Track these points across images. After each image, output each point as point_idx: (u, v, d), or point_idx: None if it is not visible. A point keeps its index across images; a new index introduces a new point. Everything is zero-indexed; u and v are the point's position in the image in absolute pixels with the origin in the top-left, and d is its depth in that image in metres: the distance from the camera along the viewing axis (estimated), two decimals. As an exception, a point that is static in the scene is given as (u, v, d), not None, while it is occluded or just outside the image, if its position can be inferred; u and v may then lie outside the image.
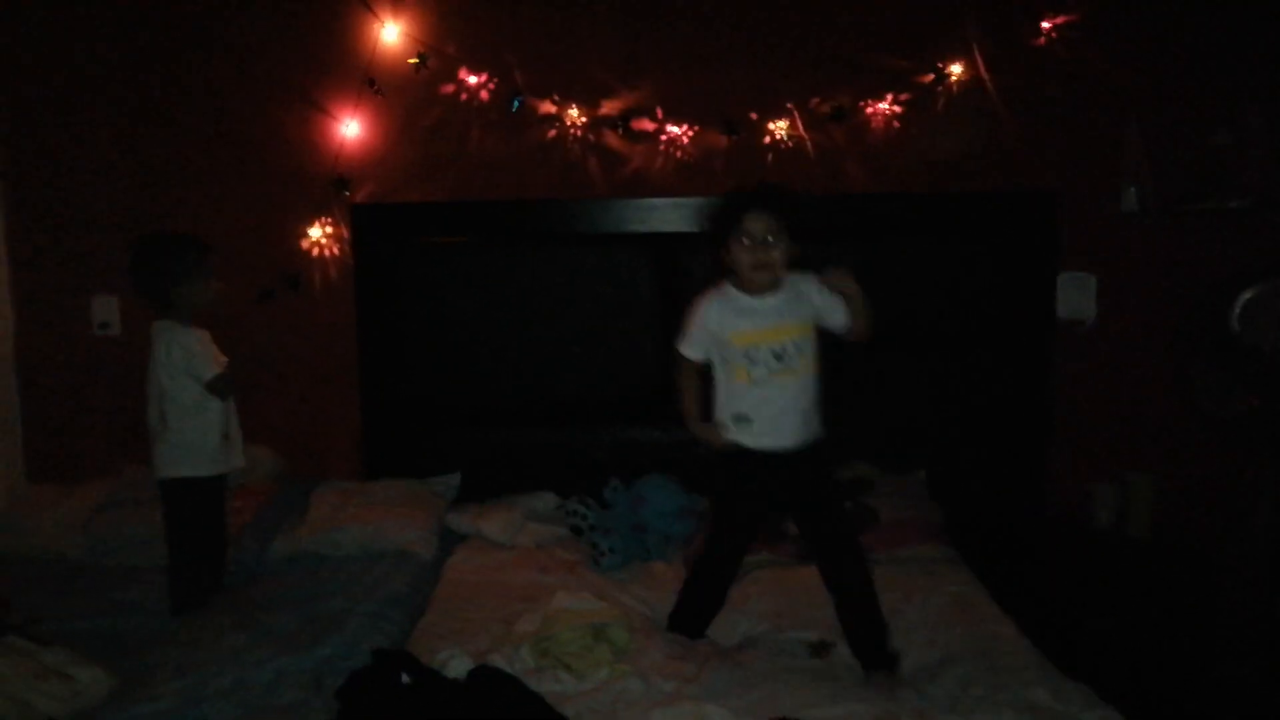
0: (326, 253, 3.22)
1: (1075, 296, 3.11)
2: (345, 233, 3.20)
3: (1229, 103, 2.99)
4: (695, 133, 3.12)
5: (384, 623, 2.37)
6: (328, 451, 3.29)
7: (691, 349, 2.33)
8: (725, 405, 2.30)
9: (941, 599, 2.39)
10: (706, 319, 2.29)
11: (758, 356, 2.24)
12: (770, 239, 2.21)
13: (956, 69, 3.04)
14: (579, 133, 3.13)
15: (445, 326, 3.22)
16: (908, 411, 3.15)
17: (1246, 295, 2.85)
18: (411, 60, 3.08)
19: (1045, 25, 3.02)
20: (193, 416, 2.50)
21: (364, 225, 3.18)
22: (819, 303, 2.28)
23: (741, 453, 2.27)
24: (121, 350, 3.22)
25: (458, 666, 1.99)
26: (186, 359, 2.47)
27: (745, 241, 2.22)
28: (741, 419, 2.26)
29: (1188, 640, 2.76)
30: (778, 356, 2.23)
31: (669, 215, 3.11)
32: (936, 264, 3.15)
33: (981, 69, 3.04)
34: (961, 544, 2.76)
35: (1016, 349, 3.11)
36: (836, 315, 2.29)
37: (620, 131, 3.12)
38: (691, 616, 2.35)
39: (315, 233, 3.19)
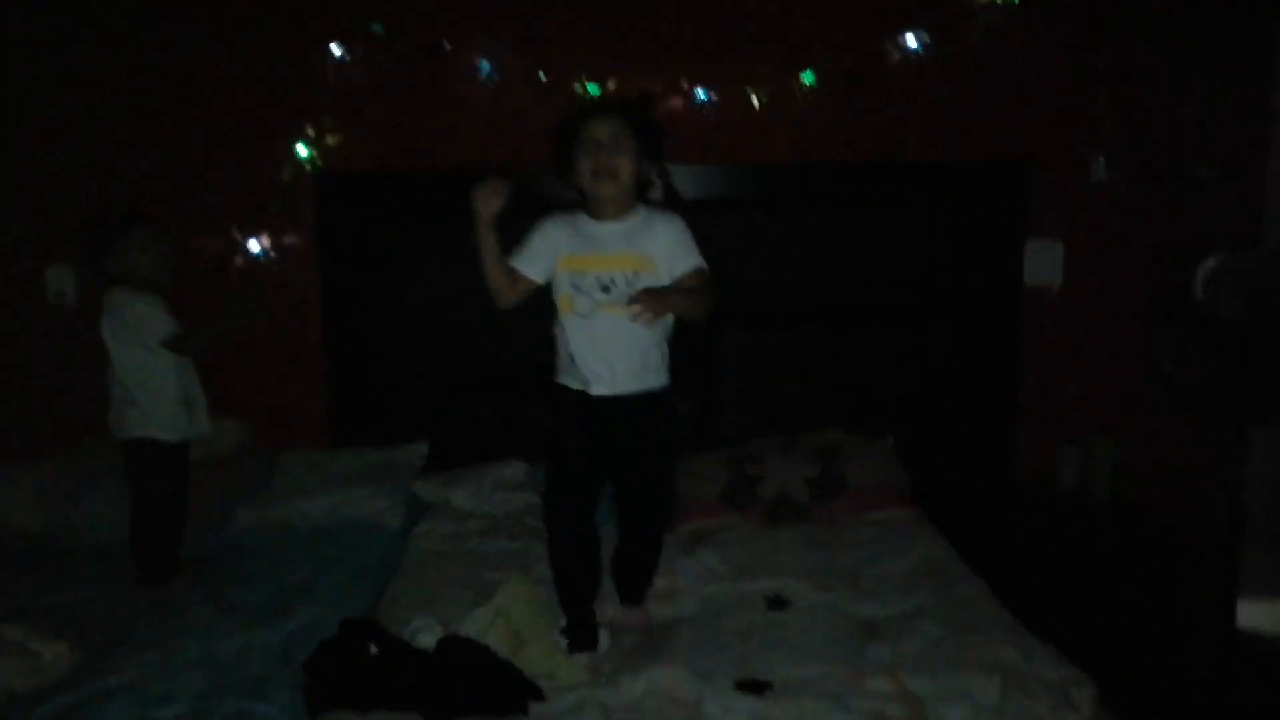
0: (291, 221, 3.15)
1: (1042, 264, 3.13)
2: (311, 201, 3.13)
3: (1199, 72, 3.01)
4: (673, 97, 3.07)
5: (352, 593, 2.36)
6: (294, 421, 3.24)
7: (519, 259, 2.12)
8: (559, 343, 2.14)
9: (910, 560, 2.42)
10: (542, 232, 2.13)
11: (583, 284, 2.06)
12: (614, 145, 2.03)
13: (926, 36, 3.02)
14: (549, 101, 3.07)
15: (413, 295, 3.18)
16: (877, 377, 3.16)
17: (1210, 264, 2.87)
18: (375, 28, 3.01)
19: (1015, -7, 3.01)
20: (146, 383, 2.53)
21: (329, 195, 3.12)
22: (666, 242, 2.09)
23: (568, 393, 2.12)
24: (78, 321, 3.14)
25: (426, 637, 1.98)
26: (136, 324, 2.50)
27: (587, 149, 2.04)
28: (569, 359, 2.10)
29: (1148, 600, 2.82)
30: (604, 288, 2.04)
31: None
32: (906, 232, 3.15)
33: (951, 35, 3.03)
34: (930, 507, 2.78)
35: (985, 315, 3.14)
36: (678, 265, 2.09)
37: (584, 94, 3.06)
38: (569, 596, 2.16)
39: (281, 201, 3.13)
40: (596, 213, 2.10)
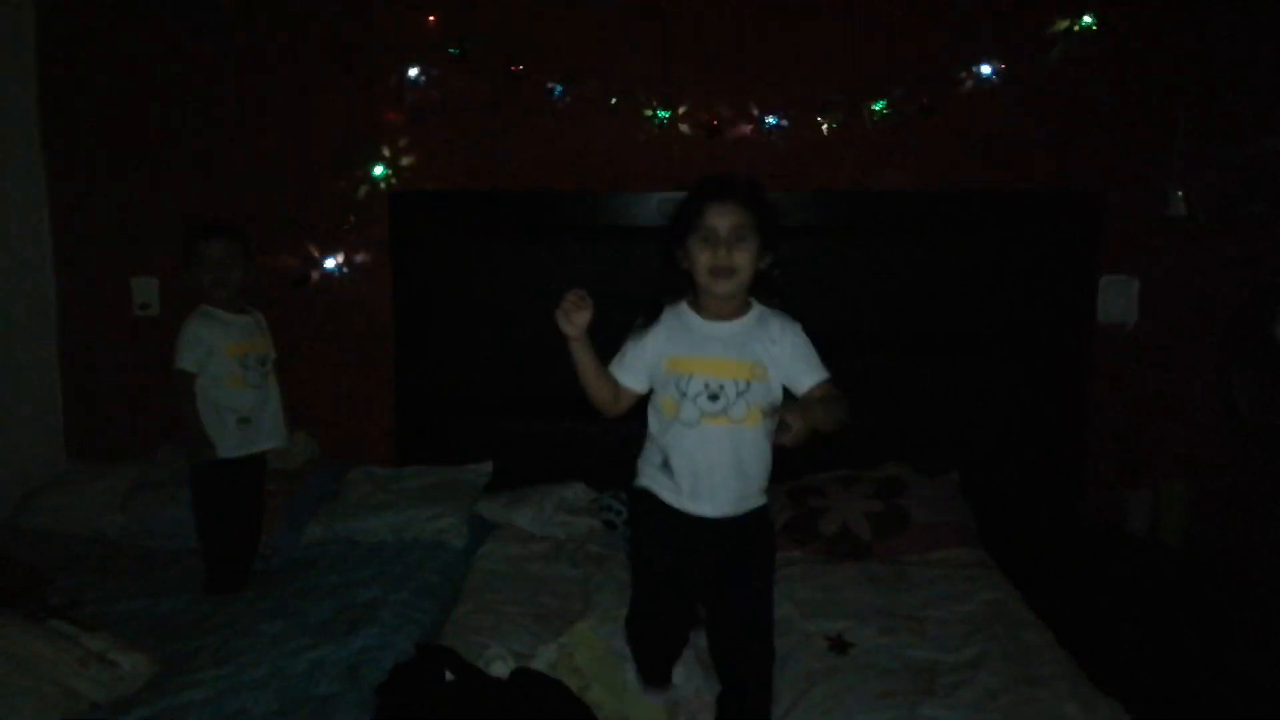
0: (364, 239, 3.23)
1: (1117, 300, 3.08)
2: (384, 219, 3.20)
3: (1275, 103, 2.93)
4: (740, 124, 3.08)
5: (417, 613, 2.40)
6: (362, 436, 3.31)
7: (620, 368, 1.98)
8: (650, 446, 1.97)
9: (974, 603, 2.38)
10: (643, 342, 1.96)
11: (689, 389, 1.87)
12: (735, 238, 1.85)
13: (1000, 65, 2.99)
14: (627, 125, 3.10)
15: (482, 314, 3.23)
16: (943, 412, 3.12)
17: (1292, 303, 2.79)
18: (451, 50, 3.07)
19: (1088, 20, 2.95)
20: (204, 395, 2.54)
21: (402, 213, 3.18)
22: (783, 352, 1.90)
23: (657, 504, 1.94)
24: (160, 331, 3.24)
25: (500, 666, 2.01)
26: (182, 345, 2.53)
27: (705, 239, 1.87)
28: (663, 465, 1.93)
29: (1220, 651, 2.74)
30: (712, 396, 1.86)
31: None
32: (977, 262, 3.12)
33: (1028, 65, 2.99)
34: (994, 548, 2.74)
35: (1056, 352, 3.08)
36: (803, 377, 1.91)
37: (664, 124, 3.09)
38: (650, 669, 2.05)
39: (354, 218, 3.20)
40: (707, 309, 1.93)
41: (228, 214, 3.06)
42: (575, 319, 1.90)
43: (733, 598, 1.96)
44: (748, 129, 3.10)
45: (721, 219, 1.86)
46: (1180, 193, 3.01)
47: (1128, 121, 3.03)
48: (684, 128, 3.09)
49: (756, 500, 1.95)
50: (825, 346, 3.08)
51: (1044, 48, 2.98)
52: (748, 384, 1.88)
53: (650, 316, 1.98)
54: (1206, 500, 3.01)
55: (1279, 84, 2.94)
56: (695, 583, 2.00)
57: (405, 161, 3.20)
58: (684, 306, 1.96)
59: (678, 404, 1.88)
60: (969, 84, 3.02)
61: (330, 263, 3.24)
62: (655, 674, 2.04)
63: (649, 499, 1.96)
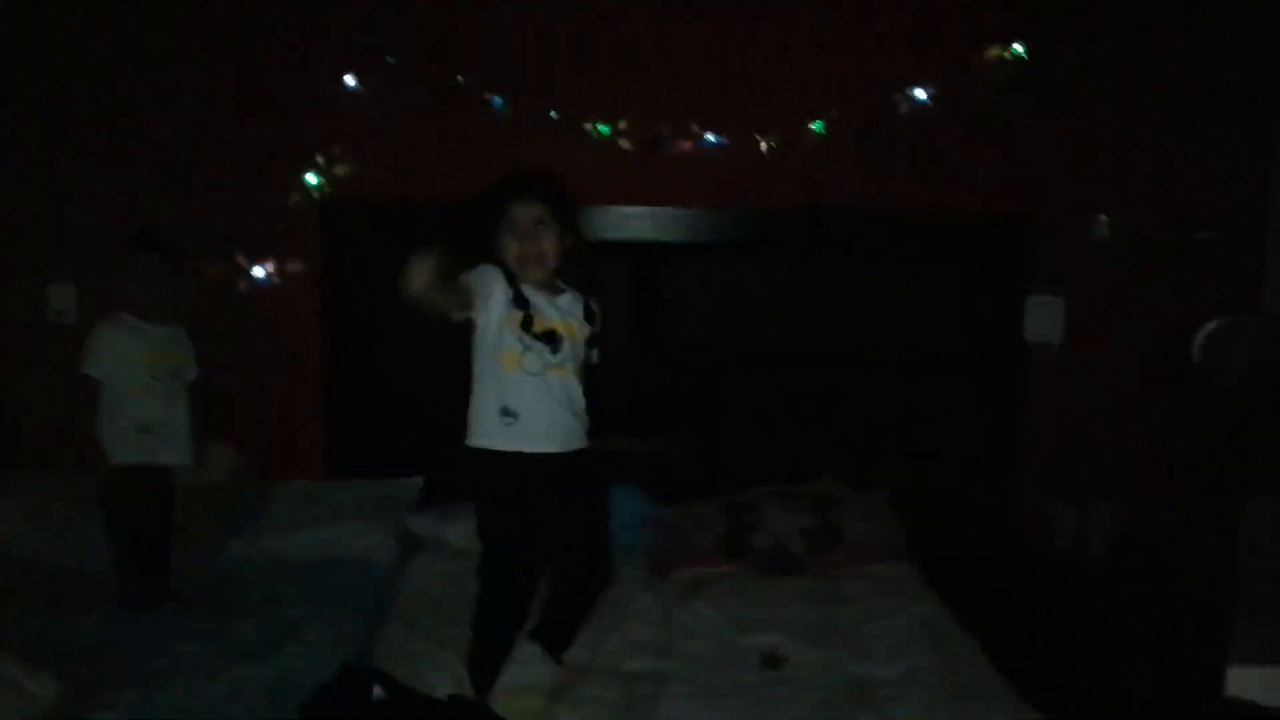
0: (293, 248, 3.16)
1: (1044, 320, 3.14)
2: (313, 228, 3.14)
3: (1202, 133, 3.03)
4: (675, 141, 3.09)
5: (344, 631, 2.33)
6: (290, 451, 3.23)
7: (478, 278, 2.16)
8: (486, 397, 2.18)
9: (906, 618, 2.39)
10: (488, 274, 2.17)
11: (534, 344, 2.15)
12: (539, 229, 2.17)
13: (931, 89, 3.04)
14: (559, 137, 3.09)
15: (413, 328, 3.16)
16: (875, 429, 3.16)
17: (1209, 328, 2.88)
18: (389, 59, 3.02)
19: (1019, 49, 3.03)
20: (109, 397, 2.53)
21: (334, 223, 3.13)
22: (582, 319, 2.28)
23: (496, 458, 2.17)
24: (77, 340, 3.10)
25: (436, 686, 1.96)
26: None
27: (511, 231, 2.17)
28: (507, 413, 2.15)
29: (1144, 665, 2.80)
30: (554, 349, 2.17)
31: (646, 224, 3.09)
32: (909, 281, 3.17)
33: (956, 90, 3.06)
34: (924, 563, 2.77)
35: (985, 370, 3.14)
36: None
37: (599, 137, 3.08)
38: (487, 642, 2.14)
39: (282, 227, 3.13)
40: (532, 285, 2.20)
41: (152, 221, 3.00)
42: (419, 277, 2.03)
43: (573, 531, 2.23)
44: (688, 146, 3.10)
45: (523, 211, 2.17)
46: (1103, 217, 3.10)
47: (1054, 147, 3.10)
48: (624, 143, 3.08)
49: (582, 440, 2.23)
50: (761, 362, 3.16)
51: (976, 74, 3.04)
52: (574, 340, 2.22)
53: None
54: (1131, 517, 3.08)
55: (1200, 113, 3.05)
56: (541, 541, 2.25)
57: (339, 171, 3.13)
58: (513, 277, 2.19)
59: (519, 356, 2.14)
60: (904, 107, 3.06)
61: (259, 272, 3.16)
62: (487, 675, 2.05)
63: (487, 455, 2.17)
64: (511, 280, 2.19)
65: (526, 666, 2.03)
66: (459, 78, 3.05)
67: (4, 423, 3.24)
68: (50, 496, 2.91)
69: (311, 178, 3.10)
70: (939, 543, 2.96)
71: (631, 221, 3.09)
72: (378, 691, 1.84)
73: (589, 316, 2.31)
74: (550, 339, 2.17)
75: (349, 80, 3.06)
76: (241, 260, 3.15)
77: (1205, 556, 2.96)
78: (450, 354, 3.14)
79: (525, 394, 2.16)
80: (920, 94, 3.05)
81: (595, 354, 2.33)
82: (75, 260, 3.15)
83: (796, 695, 2.04)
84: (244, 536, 2.81)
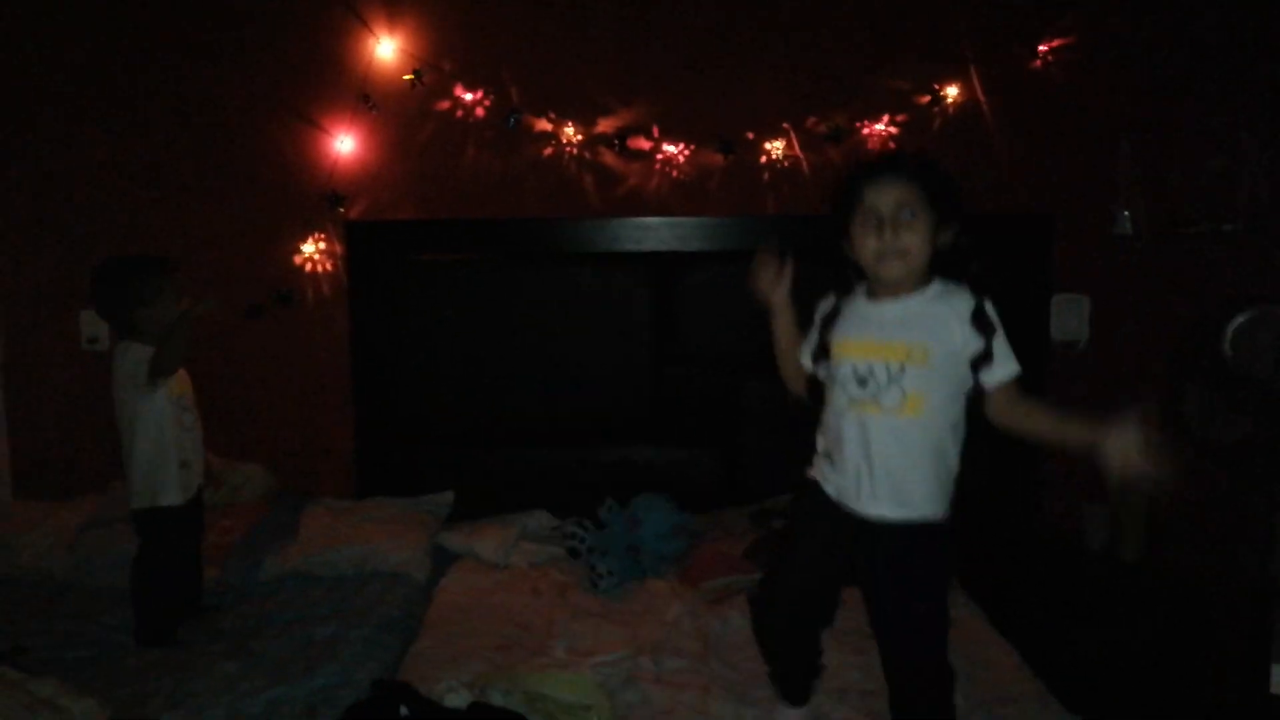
0: (320, 269, 3.19)
1: (1069, 318, 3.13)
2: (339, 249, 3.18)
3: (1223, 126, 3.01)
4: (691, 152, 3.11)
5: (377, 649, 2.35)
6: (320, 469, 3.26)
7: (804, 344, 1.88)
8: (821, 432, 1.86)
9: (938, 623, 2.39)
10: (818, 315, 1.85)
11: (841, 374, 1.75)
12: (903, 217, 1.70)
13: (953, 90, 3.05)
14: (574, 150, 3.12)
15: (440, 344, 3.20)
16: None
17: (1239, 320, 2.86)
18: (406, 77, 3.06)
19: (1041, 48, 3.03)
20: (156, 442, 2.40)
21: (358, 242, 3.16)
22: (961, 334, 1.70)
23: (819, 495, 1.83)
24: (110, 366, 3.18)
25: (455, 699, 1.97)
26: (135, 371, 2.37)
27: (869, 222, 1.72)
28: (826, 454, 1.82)
29: (1179, 664, 2.77)
30: (860, 380, 1.71)
31: (664, 234, 3.10)
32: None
33: (978, 91, 3.06)
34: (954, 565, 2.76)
35: (1010, 370, 3.12)
36: (996, 369, 1.71)
37: (616, 150, 3.11)
38: (784, 678, 1.97)
39: (308, 249, 3.17)
40: (882, 291, 1.77)
41: (183, 243, 3.05)
42: (768, 281, 1.84)
43: (889, 610, 1.78)
44: (707, 155, 3.11)
45: (884, 196, 1.70)
46: (1126, 212, 3.07)
47: (1074, 144, 3.09)
48: (655, 155, 3.10)
49: (922, 509, 1.73)
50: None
51: (995, 74, 3.04)
52: (902, 366, 1.68)
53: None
54: (1163, 515, 3.05)
55: (1220, 106, 3.02)
56: (840, 583, 1.89)
57: (363, 190, 3.17)
58: (860, 290, 1.82)
59: (834, 390, 1.77)
60: (926, 109, 3.06)
61: (285, 294, 3.19)
62: (792, 687, 1.94)
63: (813, 489, 1.84)
64: (847, 290, 1.83)
65: None
66: (479, 93, 3.08)
67: (40, 451, 3.29)
68: (87, 522, 2.95)
69: (335, 197, 3.13)
70: (969, 544, 2.94)
71: (651, 232, 3.10)
72: (404, 711, 1.86)
73: (978, 322, 1.73)
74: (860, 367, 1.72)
75: (368, 97, 3.09)
76: (270, 280, 3.18)
77: (1241, 552, 2.93)
78: (480, 371, 3.19)
79: (837, 434, 1.78)
80: (941, 95, 3.05)
81: (997, 373, 1.74)
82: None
83: (839, 701, 2.04)
84: (277, 555, 2.83)
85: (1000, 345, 1.73)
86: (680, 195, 3.14)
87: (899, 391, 1.68)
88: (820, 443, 1.84)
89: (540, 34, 3.10)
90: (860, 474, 1.73)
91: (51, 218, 3.21)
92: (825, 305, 1.86)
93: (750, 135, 3.09)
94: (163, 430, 2.42)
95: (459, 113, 3.12)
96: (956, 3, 3.05)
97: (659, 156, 3.11)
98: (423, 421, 3.22)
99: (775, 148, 3.08)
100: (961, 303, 1.72)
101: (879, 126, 3.08)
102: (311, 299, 3.21)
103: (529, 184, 3.14)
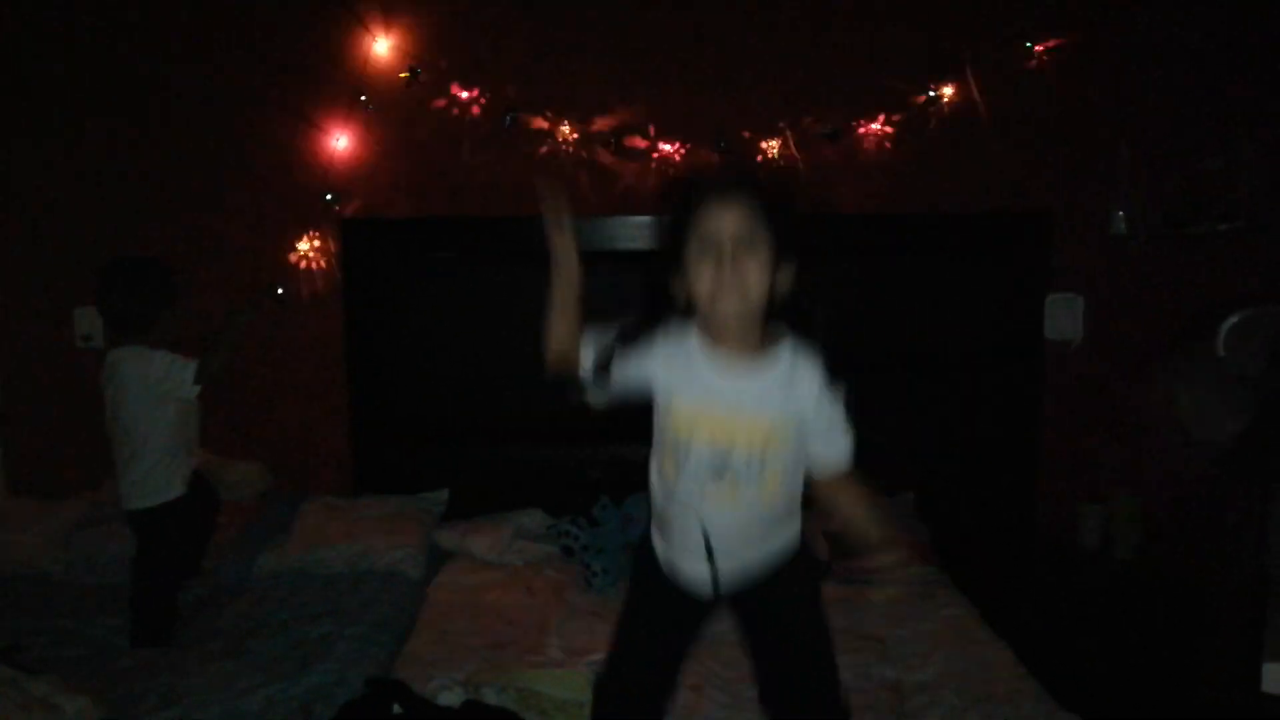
0: (315, 267, 3.18)
1: (1063, 318, 3.13)
2: (334, 247, 3.17)
3: (1219, 127, 3.02)
4: (687, 151, 3.11)
5: (372, 647, 2.35)
6: (315, 466, 3.26)
7: (587, 353, 1.55)
8: (652, 493, 1.63)
9: (933, 622, 2.40)
10: (653, 353, 1.53)
11: (687, 454, 1.49)
12: (741, 246, 1.44)
13: (949, 90, 3.05)
14: (571, 149, 3.11)
15: (435, 342, 3.20)
16: (898, 431, 3.15)
17: (1233, 320, 2.86)
18: (402, 75, 3.06)
19: (1037, 48, 3.03)
20: (168, 441, 2.44)
21: (353, 240, 3.15)
22: (813, 411, 1.51)
23: (654, 557, 1.63)
24: (111, 369, 3.17)
25: (449, 696, 1.97)
26: (169, 380, 2.39)
27: (703, 250, 1.44)
28: (661, 526, 1.60)
29: (1173, 662, 2.78)
30: (717, 472, 1.48)
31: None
32: (927, 284, 3.17)
33: (974, 91, 3.06)
34: (950, 565, 2.77)
35: (1005, 369, 3.13)
36: (831, 448, 1.54)
37: (612, 149, 3.11)
38: None
39: (304, 246, 3.16)
40: (717, 337, 1.50)
41: (178, 240, 3.05)
42: (552, 224, 1.52)
43: (779, 656, 1.64)
44: (704, 154, 3.11)
45: (723, 220, 1.44)
46: (1121, 212, 3.08)
47: (1071, 144, 3.09)
48: (649, 154, 3.10)
49: (783, 553, 1.60)
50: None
51: (993, 73, 3.04)
52: (764, 451, 1.49)
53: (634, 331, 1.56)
54: (1157, 515, 3.06)
55: (1216, 107, 3.03)
56: (681, 660, 1.69)
57: (358, 188, 3.16)
58: (691, 335, 1.52)
59: (674, 467, 1.52)
60: (921, 108, 3.07)
61: (281, 290, 3.18)
62: None
63: (648, 554, 1.64)
64: (683, 332, 1.53)
65: None
66: (474, 92, 3.07)
67: (35, 448, 3.28)
68: (82, 520, 2.95)
69: (330, 196, 3.13)
70: (965, 544, 2.95)
71: (647, 231, 3.10)
72: (398, 709, 1.86)
73: (827, 388, 1.52)
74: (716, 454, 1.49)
75: (364, 96, 3.08)
76: (263, 279, 3.18)
77: (1234, 551, 2.94)
78: (475, 369, 3.19)
79: (673, 521, 1.57)
80: (937, 94, 3.05)
81: (835, 454, 1.56)
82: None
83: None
84: (272, 552, 2.83)
85: (839, 417, 1.53)
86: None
87: (759, 475, 1.50)
88: (653, 504, 1.62)
89: (536, 32, 3.10)
90: (712, 558, 1.56)
91: (46, 215, 3.20)
92: (658, 351, 1.54)
93: (746, 134, 3.09)
94: (183, 427, 2.47)
95: (455, 111, 3.11)
96: (953, 2, 3.05)
97: (655, 155, 3.11)
98: (418, 419, 3.21)
99: (771, 147, 3.08)
100: (812, 363, 1.52)
101: (875, 126, 3.08)
102: (307, 296, 3.19)
103: (525, 182, 3.13)
